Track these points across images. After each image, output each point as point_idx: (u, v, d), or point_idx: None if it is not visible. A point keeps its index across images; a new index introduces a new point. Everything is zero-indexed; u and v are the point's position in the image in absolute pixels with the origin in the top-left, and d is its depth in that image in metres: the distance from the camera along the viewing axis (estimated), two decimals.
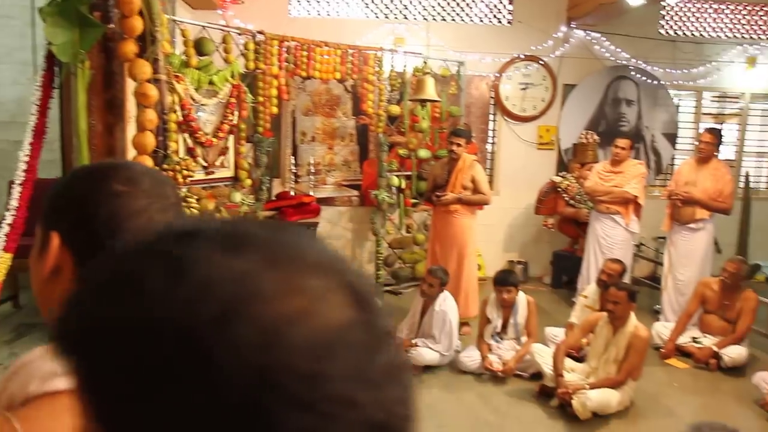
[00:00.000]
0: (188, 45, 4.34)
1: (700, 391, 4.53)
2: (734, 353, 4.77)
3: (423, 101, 6.14)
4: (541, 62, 7.32)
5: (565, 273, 6.90)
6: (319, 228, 6.82)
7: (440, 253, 5.35)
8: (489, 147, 7.52)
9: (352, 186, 7.20)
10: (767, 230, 7.87)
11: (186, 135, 4.45)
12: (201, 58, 4.52)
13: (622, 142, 5.76)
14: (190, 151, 4.50)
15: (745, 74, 7.77)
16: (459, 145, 5.23)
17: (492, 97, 7.37)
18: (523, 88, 7.38)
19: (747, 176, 7.92)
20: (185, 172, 4.20)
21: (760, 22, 7.79)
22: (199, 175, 4.62)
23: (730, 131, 8.18)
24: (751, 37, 7.79)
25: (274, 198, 6.75)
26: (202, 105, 4.55)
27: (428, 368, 4.54)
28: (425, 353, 4.48)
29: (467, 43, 7.04)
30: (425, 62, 6.15)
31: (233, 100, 4.81)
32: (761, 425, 4.04)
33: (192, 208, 4.21)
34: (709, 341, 4.94)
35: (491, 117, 7.46)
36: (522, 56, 7.26)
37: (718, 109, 8.14)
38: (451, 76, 6.73)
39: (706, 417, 4.08)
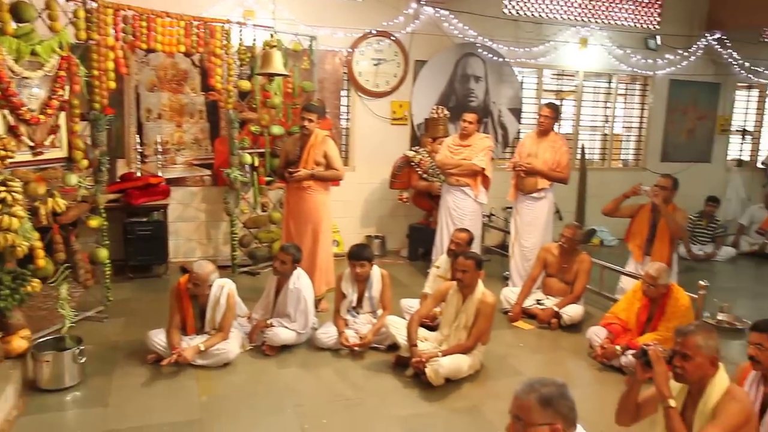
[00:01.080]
0: (2, 9, 3.86)
1: (544, 349, 4.83)
2: (572, 312, 5.13)
3: (271, 75, 5.97)
4: (392, 38, 7.37)
5: (420, 245, 7.08)
6: (169, 210, 6.48)
7: (295, 231, 5.26)
8: (343, 123, 7.49)
9: (204, 165, 6.89)
10: (602, 198, 8.49)
11: (6, 111, 3.99)
12: (19, 25, 4.05)
13: (470, 117, 5.95)
14: (12, 130, 4.04)
15: (579, 54, 8.32)
16: (311, 120, 5.14)
17: (345, 73, 7.33)
18: (376, 64, 7.40)
19: (583, 148, 8.54)
20: (2, 153, 3.78)
21: (590, 6, 8.37)
22: (25, 156, 4.18)
23: (568, 107, 8.77)
24: (583, 20, 8.34)
25: (118, 180, 6.31)
26: (24, 78, 4.09)
27: (285, 347, 4.47)
28: (281, 332, 4.39)
29: (319, 17, 6.92)
30: (272, 35, 5.96)
31: (63, 73, 4.38)
32: (593, 374, 4.38)
33: (14, 192, 3.80)
34: (551, 302, 5.28)
35: (345, 92, 7.42)
36: (374, 32, 7.27)
37: (557, 85, 8.67)
38: (303, 51, 6.60)
39: (548, 372, 4.38)
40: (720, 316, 5.48)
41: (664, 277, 4.26)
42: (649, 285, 4.26)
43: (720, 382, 2.55)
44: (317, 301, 5.21)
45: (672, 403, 2.53)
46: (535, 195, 5.84)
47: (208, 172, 6.86)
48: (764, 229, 8.37)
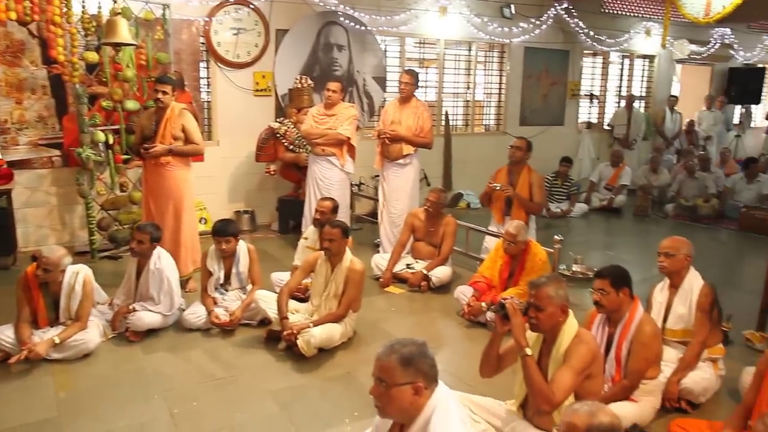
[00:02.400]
0: None
1: (415, 312, 4.97)
2: (441, 274, 5.32)
3: (117, 45, 5.59)
4: (251, 6, 7.13)
5: (291, 218, 7.01)
6: (14, 195, 5.94)
7: (155, 209, 5.01)
8: (204, 96, 7.19)
9: (52, 145, 6.35)
10: (466, 163, 8.87)
11: None
12: None
13: (334, 86, 5.92)
14: None
15: (439, 22, 8.50)
16: (165, 92, 4.88)
17: (203, 44, 7.02)
18: (236, 34, 7.14)
19: (446, 115, 8.78)
20: None
21: None
22: None
23: (431, 74, 8.96)
24: None
25: None
26: None
27: (151, 332, 4.27)
28: (145, 316, 4.19)
29: None
30: (115, 1, 5.57)
31: None
32: (462, 332, 4.58)
33: None
34: (420, 266, 5.43)
35: (204, 64, 7.11)
36: (231, 0, 6.99)
37: (420, 54, 8.82)
38: (156, 20, 6.22)
39: (418, 333, 4.51)
40: (575, 267, 5.89)
41: (522, 234, 4.51)
42: (509, 242, 4.49)
43: (570, 328, 2.74)
44: (185, 281, 5.03)
45: (528, 351, 2.69)
46: (400, 161, 5.94)
47: (57, 152, 6.34)
48: (611, 185, 9.08)
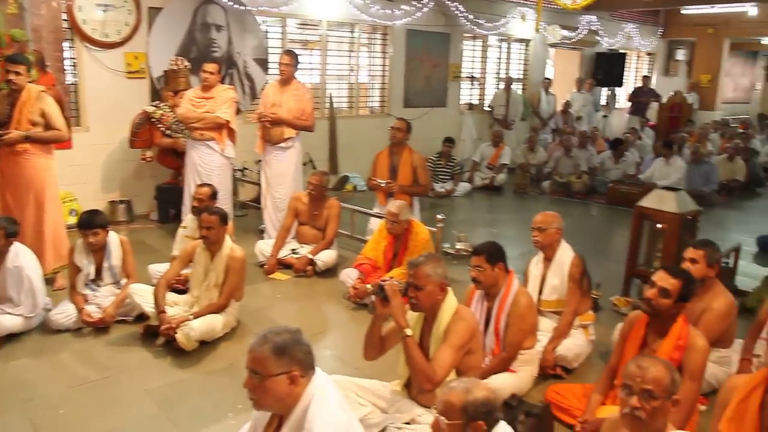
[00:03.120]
0: None
1: (301, 297, 4.90)
2: (326, 257, 5.27)
3: None
4: None
5: (171, 206, 6.69)
6: None
7: (13, 202, 4.59)
8: (70, 78, 6.67)
9: None
10: (352, 146, 8.84)
11: None
12: None
13: (210, 67, 5.67)
14: None
15: (322, 3, 8.37)
16: (18, 73, 4.46)
17: (66, 20, 6.49)
18: (104, 11, 6.66)
19: (330, 98, 8.70)
20: None
21: None
22: None
23: (314, 57, 8.82)
24: None
25: None
26: None
27: (12, 336, 3.92)
28: (4, 320, 3.83)
29: None
30: None
31: None
32: (349, 315, 4.57)
33: None
34: (305, 250, 5.35)
35: (68, 43, 6.59)
36: None
37: (302, 35, 8.66)
38: None
39: (304, 319, 4.47)
40: (458, 245, 6.03)
41: (404, 213, 4.54)
42: (392, 222, 4.52)
43: (449, 305, 2.77)
44: (51, 279, 4.66)
45: (408, 332, 2.69)
46: (282, 145, 5.81)
47: None
48: (492, 164, 9.39)
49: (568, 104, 11.93)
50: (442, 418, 1.94)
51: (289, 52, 5.83)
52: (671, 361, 2.75)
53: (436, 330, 2.76)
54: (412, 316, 2.87)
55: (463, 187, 8.95)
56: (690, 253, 3.43)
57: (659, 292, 2.83)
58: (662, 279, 2.85)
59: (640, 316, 3.00)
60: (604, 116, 12.71)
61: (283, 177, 5.89)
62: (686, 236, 4.76)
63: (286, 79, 5.78)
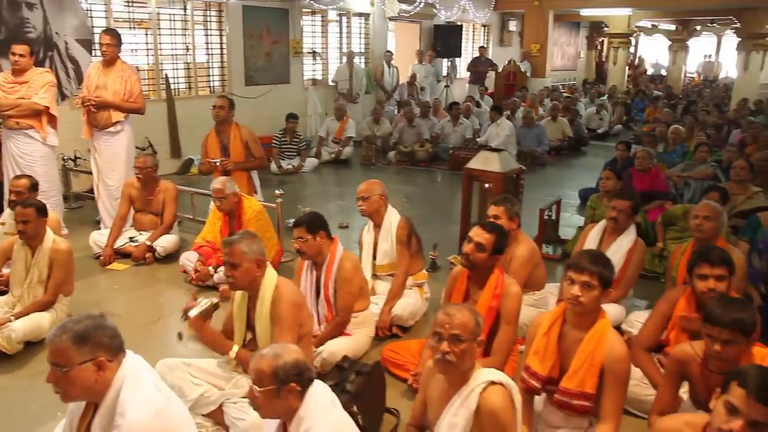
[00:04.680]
0: None
1: (140, 286, 4.74)
2: (166, 243, 5.12)
3: None
4: None
5: None
6: None
7: None
8: None
9: None
10: (194, 127, 8.53)
11: None
12: None
13: (20, 49, 5.23)
14: None
15: None
16: None
17: None
18: None
19: (167, 78, 8.35)
20: None
21: None
22: None
23: (145, 37, 8.39)
24: None
25: None
26: None
27: None
28: None
29: None
30: None
31: None
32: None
33: None
34: (144, 237, 5.16)
35: None
36: None
37: (130, 14, 8.18)
38: None
39: (145, 307, 4.35)
40: None
41: (229, 187, 4.51)
42: (220, 198, 4.47)
43: (269, 281, 2.80)
44: None
45: (233, 353, 2.79)
46: (111, 129, 5.51)
47: None
48: (338, 138, 9.49)
49: (414, 77, 12.29)
50: (255, 386, 1.99)
51: (110, 31, 5.51)
52: (490, 309, 3.02)
53: (260, 307, 2.79)
54: (238, 295, 2.89)
55: (311, 162, 8.99)
56: (492, 210, 3.71)
57: (475, 247, 3.05)
58: (477, 234, 3.07)
59: (461, 271, 3.22)
60: (446, 86, 13.24)
61: (114, 163, 5.59)
62: (512, 193, 5.14)
63: (110, 60, 5.46)
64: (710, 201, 3.99)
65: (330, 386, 2.64)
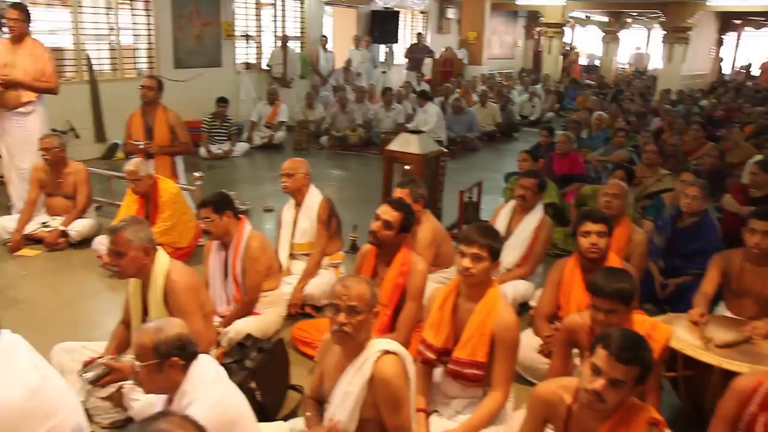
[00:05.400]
0: None
1: (53, 271, 4.59)
2: (80, 227, 4.96)
3: None
4: None
5: None
6: None
7: None
8: None
9: None
10: (119, 110, 8.23)
11: None
12: None
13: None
14: None
15: None
16: None
17: None
18: None
19: (89, 59, 8.07)
20: None
21: None
22: None
23: (63, 14, 8.08)
24: None
25: None
26: None
27: None
28: None
29: None
30: None
31: None
32: (104, 283, 4.40)
33: None
34: (58, 222, 4.99)
35: None
36: None
37: None
38: None
39: (56, 292, 4.25)
40: None
41: (143, 169, 4.44)
42: (134, 181, 4.39)
43: (160, 267, 2.74)
44: None
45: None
46: (22, 110, 5.29)
47: None
48: (270, 122, 9.39)
49: (349, 62, 12.24)
50: (137, 361, 1.96)
51: (17, 5, 5.27)
52: (396, 286, 3.06)
53: (152, 293, 2.73)
54: (131, 282, 2.83)
55: (242, 147, 8.86)
56: (397, 193, 3.75)
57: (383, 224, 3.08)
58: (385, 212, 3.11)
59: (370, 249, 3.25)
60: (383, 72, 13.25)
61: (26, 145, 5.35)
62: (432, 174, 5.21)
63: (18, 37, 5.23)
64: (617, 180, 4.15)
65: (230, 363, 2.67)
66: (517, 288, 3.85)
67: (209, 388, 1.98)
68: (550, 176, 5.87)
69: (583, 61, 23.89)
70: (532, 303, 3.85)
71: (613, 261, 3.08)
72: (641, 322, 2.51)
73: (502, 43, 19.69)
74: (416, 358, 2.59)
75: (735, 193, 5.25)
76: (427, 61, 14.44)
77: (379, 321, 3.05)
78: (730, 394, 2.22)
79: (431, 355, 2.57)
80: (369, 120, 9.85)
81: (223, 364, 2.61)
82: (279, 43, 10.88)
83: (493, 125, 10.64)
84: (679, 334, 2.88)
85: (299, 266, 4.01)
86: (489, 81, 14.04)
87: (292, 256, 4.08)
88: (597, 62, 23.45)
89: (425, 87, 13.03)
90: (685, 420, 2.95)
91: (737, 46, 23.49)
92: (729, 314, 3.39)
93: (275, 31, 11.43)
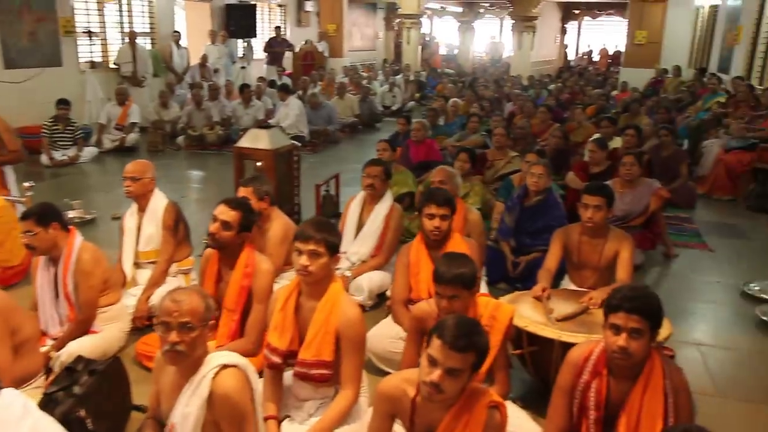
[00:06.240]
0: None
1: None
2: None
3: None
4: None
5: None
6: None
7: None
8: None
9: None
10: None
11: None
12: None
13: None
14: None
15: None
16: None
17: None
18: None
19: None
20: None
21: None
22: None
23: None
24: None
25: None
26: None
27: None
28: None
29: None
30: None
31: None
32: None
33: None
34: None
35: None
36: None
37: None
38: None
39: None
40: (71, 214, 5.56)
41: None
42: None
43: None
44: None
45: None
46: None
47: None
48: (121, 124, 8.81)
49: (205, 58, 11.78)
50: None
51: None
52: (242, 289, 2.93)
53: None
54: None
55: (90, 151, 8.25)
56: (240, 192, 3.63)
57: (221, 225, 2.94)
58: (222, 212, 2.97)
59: (213, 252, 3.09)
60: (242, 67, 12.90)
61: None
62: (286, 169, 5.09)
63: None
64: (442, 167, 4.24)
65: (56, 391, 2.43)
66: (372, 279, 3.84)
67: (14, 425, 1.77)
68: (408, 164, 5.96)
69: (443, 51, 24.64)
70: (389, 293, 3.86)
71: (457, 239, 3.14)
72: (485, 304, 2.56)
73: (363, 35, 19.84)
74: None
75: (577, 170, 5.60)
76: (288, 55, 14.24)
77: (228, 326, 2.92)
78: (565, 366, 2.32)
79: (277, 359, 2.47)
80: (227, 117, 9.53)
81: (47, 394, 2.40)
82: (126, 40, 10.25)
83: (352, 117, 10.67)
84: (522, 311, 2.99)
85: (146, 275, 3.77)
86: (350, 73, 14.07)
87: (137, 265, 3.83)
88: (456, 52, 24.30)
89: (286, 81, 12.84)
90: (536, 394, 3.06)
91: (579, 34, 25.30)
92: (573, 286, 3.58)
93: (122, 27, 10.76)
